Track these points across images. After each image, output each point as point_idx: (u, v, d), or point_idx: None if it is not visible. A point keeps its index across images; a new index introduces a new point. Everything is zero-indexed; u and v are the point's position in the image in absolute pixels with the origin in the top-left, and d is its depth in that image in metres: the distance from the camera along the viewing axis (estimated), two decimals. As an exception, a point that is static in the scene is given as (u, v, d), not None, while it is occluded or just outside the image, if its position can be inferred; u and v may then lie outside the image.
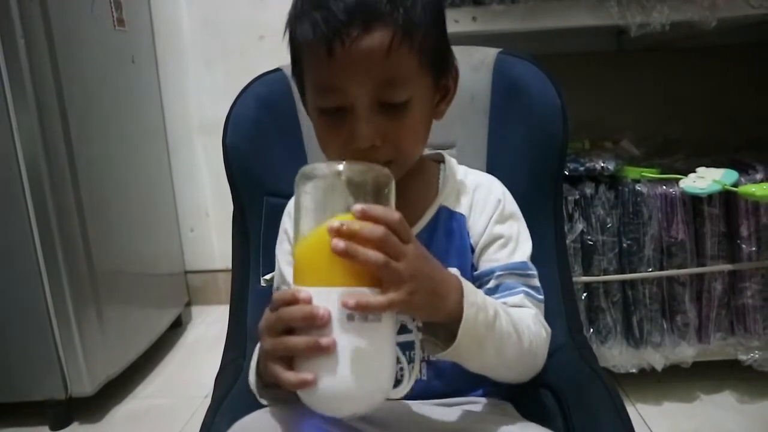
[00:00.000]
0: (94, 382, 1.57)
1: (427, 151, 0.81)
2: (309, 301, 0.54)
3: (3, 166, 1.43)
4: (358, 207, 0.54)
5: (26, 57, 1.40)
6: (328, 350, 0.53)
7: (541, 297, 0.74)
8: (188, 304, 2.25)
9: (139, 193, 1.92)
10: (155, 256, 2.03)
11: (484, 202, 0.77)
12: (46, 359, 1.51)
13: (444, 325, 0.61)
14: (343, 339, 0.54)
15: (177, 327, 2.12)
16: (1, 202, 1.45)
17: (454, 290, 0.61)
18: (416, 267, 0.56)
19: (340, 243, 0.53)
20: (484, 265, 0.74)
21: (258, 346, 0.65)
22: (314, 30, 0.62)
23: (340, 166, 0.57)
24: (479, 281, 0.74)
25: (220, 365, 0.90)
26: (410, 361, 0.64)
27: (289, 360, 0.56)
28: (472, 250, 0.76)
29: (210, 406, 0.79)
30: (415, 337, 0.63)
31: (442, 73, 0.71)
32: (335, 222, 0.54)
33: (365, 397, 0.57)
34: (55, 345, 1.51)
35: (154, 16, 2.10)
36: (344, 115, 0.65)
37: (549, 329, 0.73)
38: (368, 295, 0.54)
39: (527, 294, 0.72)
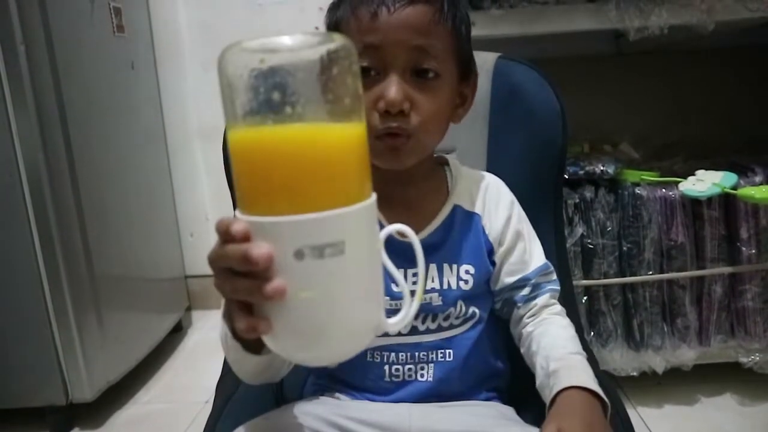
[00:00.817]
0: (94, 387, 1.56)
1: None
2: (245, 237, 0.44)
3: (3, 171, 1.43)
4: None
5: (26, 63, 1.40)
6: (276, 297, 0.43)
7: (558, 288, 0.79)
8: (188, 309, 2.25)
9: (139, 198, 1.92)
10: (155, 260, 2.03)
11: (497, 202, 0.79)
12: (46, 365, 1.51)
13: None
14: (294, 281, 0.42)
15: (177, 332, 2.12)
16: (2, 208, 1.45)
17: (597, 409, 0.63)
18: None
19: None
20: (514, 269, 0.77)
21: None
22: (363, 1, 0.67)
23: (288, 40, 0.42)
24: (513, 286, 0.77)
25: (222, 371, 0.90)
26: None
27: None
28: (489, 249, 0.77)
29: (211, 413, 0.79)
30: (419, 260, 0.52)
31: (464, 76, 0.75)
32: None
33: (334, 344, 0.46)
34: (55, 351, 1.51)
35: (153, 22, 2.11)
36: (376, 78, 0.67)
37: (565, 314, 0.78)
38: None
39: (552, 291, 0.78)
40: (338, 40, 0.44)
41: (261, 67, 0.42)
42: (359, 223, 0.44)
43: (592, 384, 0.64)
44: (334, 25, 0.72)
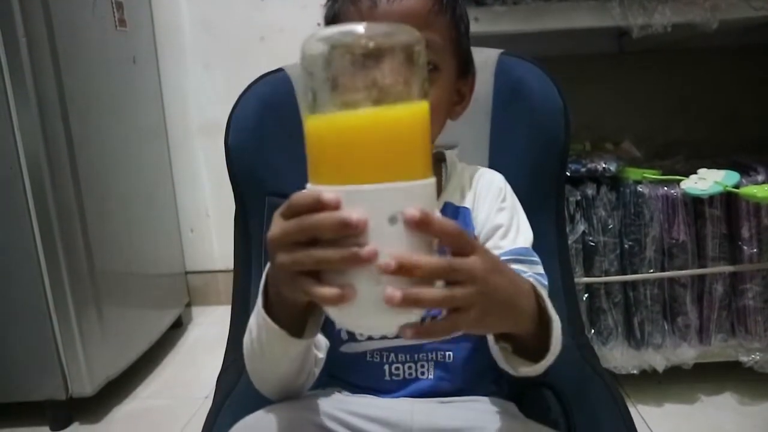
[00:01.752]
0: (94, 382, 1.56)
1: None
2: (337, 205, 0.45)
3: (4, 165, 1.43)
4: (410, 213, 0.44)
5: (28, 57, 1.40)
6: (369, 261, 0.44)
7: (546, 284, 0.73)
8: (188, 305, 2.25)
9: (140, 194, 1.92)
10: (156, 256, 2.03)
11: (487, 192, 0.78)
12: (46, 359, 1.51)
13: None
14: (383, 246, 0.44)
15: (177, 327, 2.12)
16: (2, 202, 1.45)
17: (528, 296, 0.58)
18: (486, 287, 0.49)
19: (396, 294, 0.44)
20: None
21: (268, 268, 0.58)
22: None
23: (360, 28, 0.47)
24: None
25: (222, 366, 0.90)
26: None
27: (315, 273, 0.47)
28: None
29: (212, 407, 0.79)
30: None
31: (463, 73, 0.75)
32: (384, 260, 0.44)
33: (406, 311, 0.48)
34: (55, 345, 1.51)
35: (155, 16, 2.10)
36: None
37: None
38: (423, 293, 0.45)
39: (536, 280, 0.70)
40: (412, 32, 0.48)
41: (360, 49, 0.46)
42: (434, 194, 0.49)
43: (550, 306, 0.61)
44: (332, 18, 0.72)
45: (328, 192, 0.45)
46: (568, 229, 1.37)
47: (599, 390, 0.78)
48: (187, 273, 2.28)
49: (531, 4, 1.33)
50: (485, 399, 0.75)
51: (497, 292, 0.51)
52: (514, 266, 0.70)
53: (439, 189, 0.78)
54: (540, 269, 0.73)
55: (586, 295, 1.44)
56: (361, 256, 0.44)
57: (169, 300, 2.09)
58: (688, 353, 1.44)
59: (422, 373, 0.73)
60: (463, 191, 0.78)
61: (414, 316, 0.48)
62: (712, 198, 1.38)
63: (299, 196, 0.47)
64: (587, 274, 1.43)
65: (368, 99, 0.46)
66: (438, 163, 0.82)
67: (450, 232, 0.48)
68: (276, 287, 0.56)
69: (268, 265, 0.57)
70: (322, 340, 0.72)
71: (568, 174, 1.41)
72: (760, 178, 1.38)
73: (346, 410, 0.70)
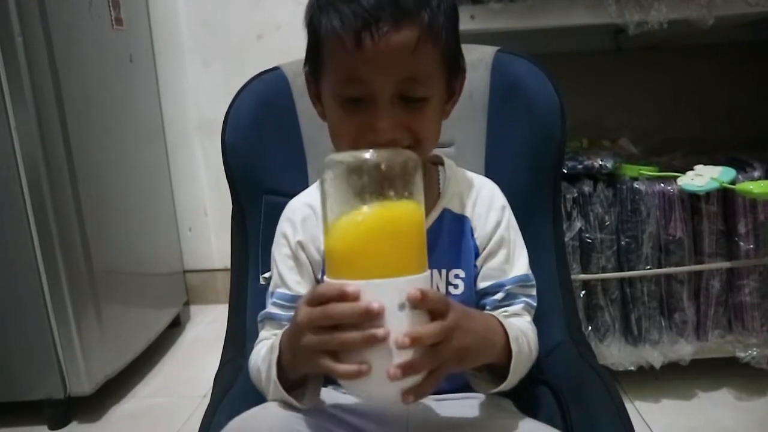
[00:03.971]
0: (92, 381, 1.57)
1: None
2: (358, 297, 0.55)
3: (1, 164, 1.43)
4: (414, 294, 0.55)
5: (24, 56, 1.40)
6: (385, 341, 0.54)
7: (535, 305, 0.78)
8: (187, 304, 2.25)
9: (138, 192, 1.92)
10: (154, 255, 2.03)
11: (489, 206, 0.78)
12: (44, 358, 1.51)
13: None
14: (394, 327, 0.55)
15: (176, 326, 2.12)
16: (0, 202, 1.45)
17: (499, 334, 0.67)
18: (463, 335, 0.59)
19: (398, 371, 0.54)
20: (491, 274, 0.76)
21: (278, 343, 0.66)
22: (343, 22, 0.63)
23: (368, 154, 0.57)
24: (486, 291, 0.76)
25: (219, 364, 0.90)
26: None
27: (335, 353, 0.57)
28: (476, 252, 0.76)
29: (209, 405, 0.79)
30: None
31: (454, 75, 0.74)
32: (399, 337, 0.54)
33: (414, 379, 0.58)
34: (53, 344, 1.51)
35: (152, 15, 2.10)
36: (364, 106, 0.67)
37: (535, 329, 0.77)
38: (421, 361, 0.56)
39: (526, 304, 0.76)
40: (406, 154, 0.59)
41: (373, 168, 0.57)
42: (429, 282, 0.61)
43: (511, 327, 0.68)
44: (314, 35, 0.69)
45: (350, 285, 0.55)
46: (565, 226, 1.37)
47: (596, 386, 0.78)
48: (185, 272, 2.28)
49: (527, 1, 1.33)
50: (481, 396, 0.75)
51: (471, 334, 0.61)
52: (514, 291, 0.76)
53: (438, 194, 0.79)
54: (533, 291, 0.78)
55: (583, 292, 1.44)
56: (378, 337, 0.54)
57: (167, 299, 2.09)
58: (685, 349, 1.45)
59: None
60: (461, 199, 0.79)
61: (412, 381, 0.57)
62: (708, 194, 1.38)
63: (324, 288, 0.57)
64: (584, 270, 1.43)
65: (378, 206, 0.56)
66: (434, 166, 0.82)
67: (435, 300, 0.57)
68: (290, 359, 0.64)
69: (282, 336, 0.66)
70: None
71: (565, 171, 1.42)
72: (756, 174, 1.39)
73: (341, 407, 0.70)
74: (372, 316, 0.54)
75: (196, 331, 2.15)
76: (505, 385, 0.68)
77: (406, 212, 0.57)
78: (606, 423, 0.71)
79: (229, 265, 0.97)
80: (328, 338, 0.56)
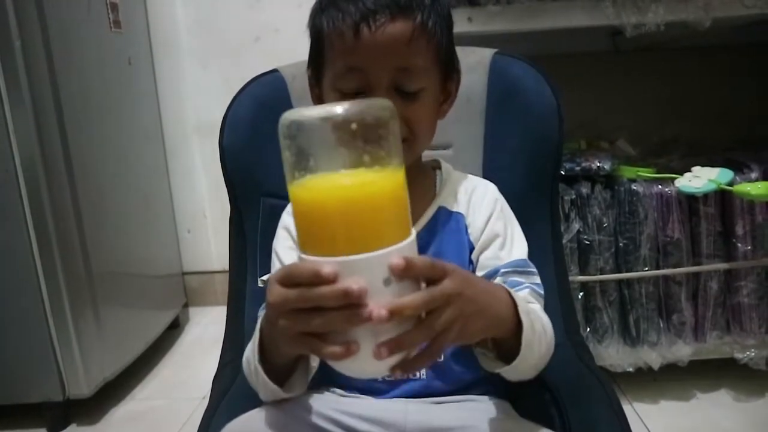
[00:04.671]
0: (91, 383, 1.56)
1: (424, 159, 0.83)
2: (336, 278, 0.49)
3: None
4: (396, 262, 0.49)
5: (22, 59, 1.40)
6: (371, 320, 0.48)
7: (542, 293, 0.75)
8: (185, 306, 2.25)
9: (136, 195, 1.92)
10: (152, 257, 2.03)
11: (482, 201, 0.79)
12: (43, 361, 1.51)
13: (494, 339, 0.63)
14: (382, 303, 0.49)
15: (174, 328, 2.12)
16: (-2, 204, 1.45)
17: (503, 301, 0.62)
18: (462, 302, 0.54)
19: (383, 350, 0.49)
20: (487, 263, 0.75)
21: (258, 327, 0.63)
22: (343, 15, 0.67)
23: (338, 109, 0.50)
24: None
25: (218, 366, 0.90)
26: None
27: (318, 333, 0.52)
28: (471, 247, 0.77)
29: (208, 407, 0.79)
30: None
31: (448, 75, 0.77)
32: (375, 309, 0.48)
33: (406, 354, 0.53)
34: (52, 347, 1.51)
35: (150, 17, 2.10)
36: (362, 98, 0.68)
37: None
38: (411, 335, 0.51)
39: (532, 290, 0.73)
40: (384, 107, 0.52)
41: (339, 126, 0.50)
42: (416, 247, 0.54)
43: (519, 298, 0.64)
44: (316, 34, 0.73)
45: (326, 265, 0.49)
46: (563, 228, 1.37)
47: (594, 388, 0.78)
48: (184, 274, 2.28)
49: (525, 3, 1.33)
50: (479, 398, 0.75)
51: (473, 302, 0.55)
52: (514, 278, 0.73)
53: (433, 195, 0.80)
54: (537, 279, 0.75)
55: (581, 294, 1.45)
56: (363, 317, 0.48)
57: (166, 301, 2.09)
58: (683, 350, 1.45)
59: (414, 374, 0.73)
60: (456, 197, 0.80)
61: (403, 356, 0.52)
62: (706, 196, 1.38)
63: (297, 269, 0.52)
64: (582, 272, 1.43)
65: (351, 172, 0.50)
66: (432, 170, 0.84)
67: (424, 267, 0.52)
68: (273, 344, 0.61)
69: (262, 319, 0.61)
70: None
71: (563, 173, 1.42)
72: (753, 175, 1.39)
73: (339, 410, 0.70)
74: (353, 299, 0.48)
75: (194, 333, 2.14)
76: (519, 363, 0.62)
77: (384, 177, 0.50)
78: (604, 425, 0.72)
79: (227, 267, 0.97)
80: (306, 320, 0.51)
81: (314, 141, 0.51)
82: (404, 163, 0.53)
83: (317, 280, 0.49)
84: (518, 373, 0.67)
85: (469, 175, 0.85)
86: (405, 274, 0.50)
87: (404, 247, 0.51)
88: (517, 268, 0.74)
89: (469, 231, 0.78)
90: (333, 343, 0.51)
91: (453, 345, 0.57)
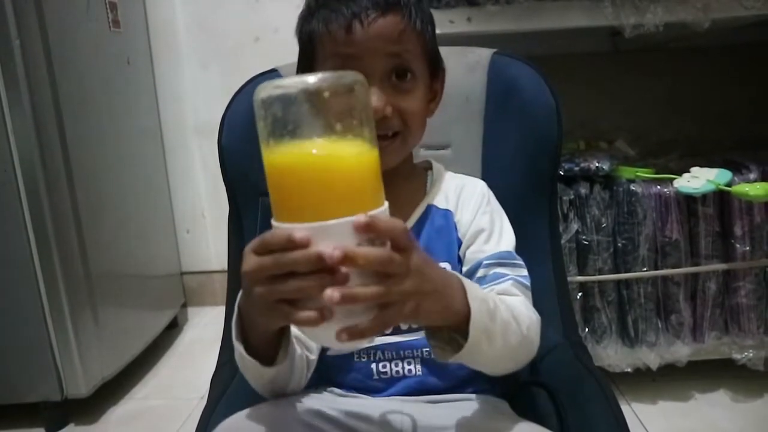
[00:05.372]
0: (89, 383, 1.56)
1: (417, 160, 0.85)
2: (308, 243, 0.49)
3: (-2, 167, 1.43)
4: (361, 219, 0.49)
5: (21, 59, 1.40)
6: (344, 284, 0.49)
7: (529, 285, 0.75)
8: (184, 306, 2.25)
9: (135, 195, 1.92)
10: (151, 257, 2.02)
11: (470, 197, 0.81)
12: (41, 361, 1.51)
13: (450, 327, 0.61)
14: (353, 269, 0.50)
15: (173, 328, 2.12)
16: (-3, 204, 1.45)
17: (457, 289, 0.61)
18: (421, 279, 0.54)
19: (335, 294, 0.48)
20: (471, 256, 0.76)
21: (239, 298, 0.62)
22: (336, 15, 0.70)
23: (311, 78, 0.51)
24: (468, 273, 0.75)
25: (216, 366, 0.90)
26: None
27: (291, 300, 0.52)
28: (460, 244, 0.78)
29: (206, 407, 0.79)
30: None
31: (435, 74, 0.79)
32: (329, 253, 0.48)
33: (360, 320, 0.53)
34: (50, 346, 1.51)
35: (150, 17, 2.10)
36: None
37: (538, 315, 0.72)
38: (370, 309, 0.51)
39: (515, 281, 0.73)
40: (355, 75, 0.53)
41: (312, 95, 0.50)
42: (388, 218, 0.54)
43: (471, 285, 0.63)
44: (307, 38, 0.75)
45: (298, 231, 0.49)
46: (561, 228, 1.37)
47: (592, 389, 0.78)
48: (182, 274, 2.28)
49: (524, 3, 1.33)
50: (476, 397, 0.75)
51: (430, 282, 0.55)
52: (497, 269, 0.73)
53: (423, 193, 0.81)
54: (523, 271, 0.75)
55: (579, 294, 1.45)
56: (338, 281, 0.49)
57: (164, 301, 2.09)
58: (681, 351, 1.45)
59: (409, 371, 0.74)
60: (446, 195, 0.81)
61: (357, 321, 0.52)
62: (705, 196, 1.38)
63: (271, 236, 0.52)
64: (581, 272, 1.43)
65: (323, 140, 0.51)
66: (424, 171, 0.85)
67: (392, 229, 0.52)
68: (250, 317, 0.60)
69: (240, 296, 0.60)
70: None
71: (562, 173, 1.42)
72: (752, 176, 1.39)
73: (335, 408, 0.70)
74: (326, 263, 0.48)
75: (193, 333, 2.14)
76: (473, 351, 0.60)
77: (356, 145, 0.52)
78: (602, 425, 0.71)
79: (226, 267, 0.97)
80: (281, 286, 0.51)
81: (288, 110, 0.51)
82: (376, 142, 0.54)
83: (290, 245, 0.50)
84: (481, 364, 0.66)
85: (460, 174, 0.86)
86: (368, 230, 0.50)
87: (377, 214, 0.52)
88: (501, 260, 0.75)
89: (458, 227, 0.79)
90: (305, 309, 0.51)
91: (406, 322, 0.57)
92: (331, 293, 0.48)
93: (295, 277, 0.51)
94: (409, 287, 0.53)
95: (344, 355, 0.75)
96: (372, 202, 0.52)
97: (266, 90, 0.51)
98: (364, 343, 0.54)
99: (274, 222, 0.53)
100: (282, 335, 0.64)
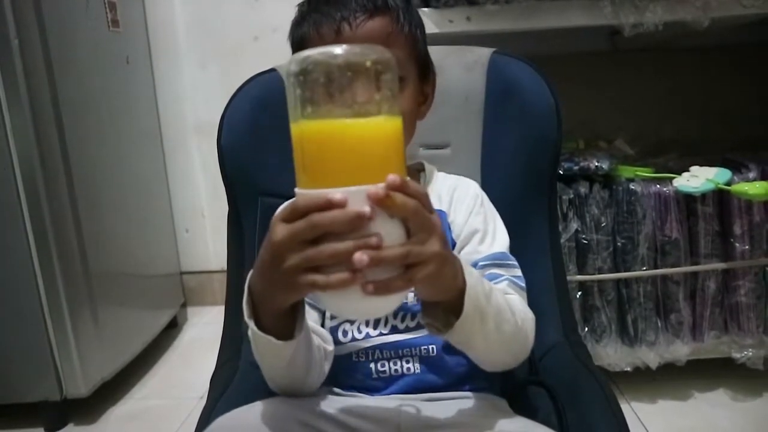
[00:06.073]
0: (89, 383, 1.56)
1: (409, 162, 0.83)
2: (345, 203, 0.49)
3: (-3, 167, 1.43)
4: (396, 179, 0.50)
5: (20, 58, 1.39)
6: (380, 247, 0.50)
7: (524, 286, 0.76)
8: (184, 305, 2.25)
9: (134, 194, 1.92)
10: (150, 257, 2.02)
11: (463, 198, 0.81)
12: (41, 360, 1.51)
13: (446, 304, 0.61)
14: (387, 233, 0.51)
15: (172, 328, 2.12)
16: (-4, 204, 1.45)
17: (459, 265, 0.61)
18: (443, 242, 0.55)
19: (364, 256, 0.49)
20: (467, 257, 0.76)
21: (246, 286, 0.61)
22: (326, 18, 0.72)
23: (339, 50, 0.52)
24: None
25: (216, 365, 0.90)
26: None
27: (315, 269, 0.52)
28: (454, 244, 0.78)
29: (205, 407, 0.79)
30: None
31: (424, 77, 0.81)
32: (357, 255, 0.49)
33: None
34: (50, 346, 1.51)
35: (149, 16, 2.10)
36: None
37: (533, 314, 0.73)
38: (397, 279, 0.52)
39: (511, 282, 0.74)
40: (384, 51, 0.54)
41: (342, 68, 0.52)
42: None
43: (468, 273, 0.62)
44: (299, 41, 0.76)
45: (336, 193, 0.50)
46: (561, 228, 1.37)
47: (591, 388, 0.78)
48: (182, 273, 2.28)
49: (523, 3, 1.33)
50: (475, 395, 0.75)
51: (448, 248, 0.57)
52: (493, 270, 0.74)
53: None
54: (517, 272, 0.76)
55: (579, 293, 1.45)
56: (372, 243, 0.49)
57: (164, 300, 2.08)
58: (681, 350, 1.45)
59: (408, 369, 0.74)
60: (439, 196, 0.81)
61: (398, 299, 0.54)
62: (704, 195, 1.38)
63: (304, 199, 0.51)
64: (580, 272, 1.43)
65: (356, 108, 0.52)
66: (416, 173, 0.85)
67: (419, 190, 0.53)
68: (265, 294, 0.59)
69: (251, 275, 0.60)
70: (327, 334, 0.75)
71: (561, 172, 1.42)
72: (751, 175, 1.39)
73: (332, 407, 0.70)
74: (365, 221, 0.49)
75: (193, 333, 2.14)
76: (461, 326, 0.60)
77: (391, 118, 0.54)
78: (602, 424, 0.71)
79: (225, 267, 0.97)
80: (314, 251, 0.51)
81: (328, 78, 0.52)
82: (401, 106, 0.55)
83: (327, 205, 0.50)
84: (474, 347, 0.65)
85: (452, 175, 0.86)
86: (401, 189, 0.51)
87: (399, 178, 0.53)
88: (495, 261, 0.76)
89: (452, 228, 0.79)
90: (335, 274, 0.51)
91: (423, 284, 0.55)
92: (360, 256, 0.48)
93: (329, 241, 0.50)
94: (434, 248, 0.53)
95: (343, 355, 0.75)
96: (400, 171, 0.53)
97: (305, 55, 0.52)
98: (387, 309, 0.55)
99: (299, 190, 0.53)
100: (295, 310, 0.62)
